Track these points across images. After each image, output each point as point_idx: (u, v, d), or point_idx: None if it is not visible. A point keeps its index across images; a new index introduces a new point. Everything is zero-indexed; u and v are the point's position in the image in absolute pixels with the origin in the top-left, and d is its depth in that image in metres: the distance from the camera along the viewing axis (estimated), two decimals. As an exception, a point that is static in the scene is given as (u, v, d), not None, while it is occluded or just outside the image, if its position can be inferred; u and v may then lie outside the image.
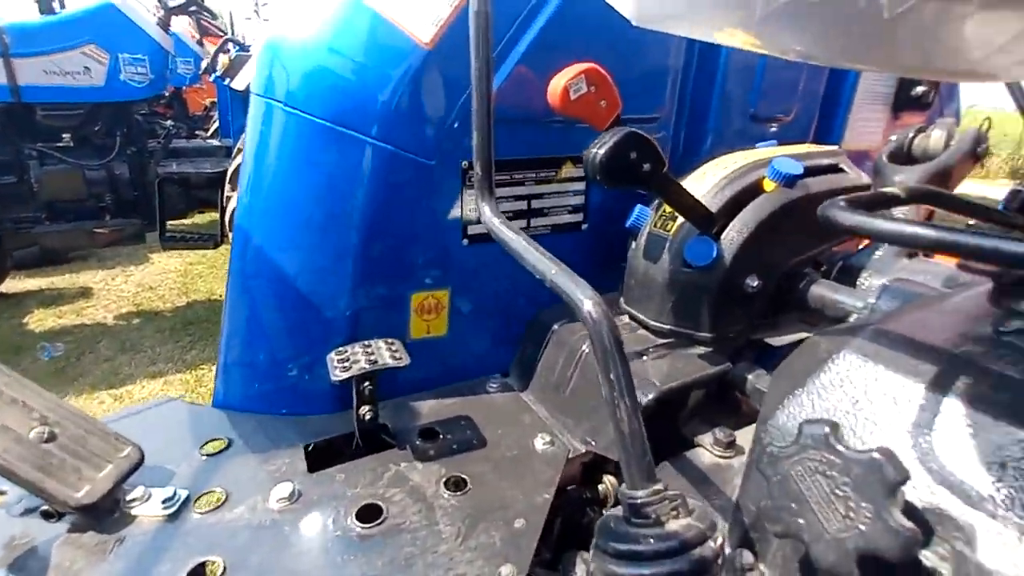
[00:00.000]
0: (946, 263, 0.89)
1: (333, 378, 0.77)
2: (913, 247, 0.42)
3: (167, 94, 5.11)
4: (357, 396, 0.81)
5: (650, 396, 0.82)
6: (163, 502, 0.73)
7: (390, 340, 0.87)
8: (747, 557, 0.60)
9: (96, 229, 3.55)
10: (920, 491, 0.49)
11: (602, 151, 0.72)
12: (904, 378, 0.54)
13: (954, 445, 0.49)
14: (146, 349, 3.28)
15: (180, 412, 0.97)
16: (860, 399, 0.56)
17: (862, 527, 0.46)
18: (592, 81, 0.81)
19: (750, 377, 0.88)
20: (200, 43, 5.78)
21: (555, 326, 1.03)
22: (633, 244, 1.01)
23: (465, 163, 0.92)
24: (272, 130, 0.88)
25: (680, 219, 0.92)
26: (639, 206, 0.99)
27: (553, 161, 1.02)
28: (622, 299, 1.05)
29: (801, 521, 0.51)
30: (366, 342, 0.85)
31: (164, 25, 3.59)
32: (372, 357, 0.80)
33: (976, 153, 1.08)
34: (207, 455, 0.85)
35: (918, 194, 0.54)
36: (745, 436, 0.85)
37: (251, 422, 0.94)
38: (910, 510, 0.48)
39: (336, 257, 0.91)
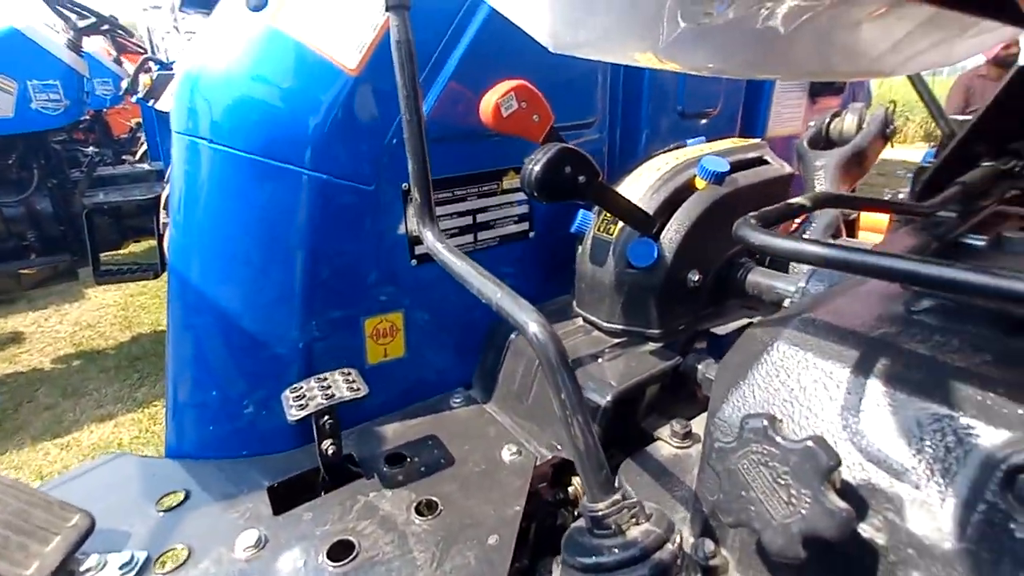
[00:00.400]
0: (867, 241, 0.96)
1: (289, 418, 0.75)
2: (810, 263, 0.46)
3: (86, 118, 4.81)
4: (318, 431, 0.80)
5: (608, 398, 0.85)
6: (121, 568, 0.70)
7: (346, 370, 0.86)
8: (708, 546, 0.64)
9: (22, 270, 3.32)
10: (854, 470, 0.53)
11: (537, 168, 0.74)
12: (831, 364, 0.58)
13: (879, 424, 0.53)
14: (91, 392, 3.10)
15: (130, 467, 0.93)
16: (795, 388, 0.59)
17: (803, 511, 0.49)
18: (522, 97, 0.82)
19: (700, 367, 0.92)
20: (118, 61, 5.45)
21: (512, 335, 1.04)
22: (580, 249, 1.03)
23: (405, 185, 0.92)
24: (199, 168, 0.84)
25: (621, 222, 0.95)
26: (582, 211, 1.02)
27: (494, 174, 1.03)
28: (574, 302, 1.08)
29: (751, 510, 0.54)
30: (321, 375, 0.84)
31: (75, 47, 3.37)
32: (329, 391, 0.79)
33: (885, 134, 1.16)
34: (164, 510, 0.82)
35: (822, 200, 0.58)
36: (701, 424, 0.89)
37: (209, 469, 0.91)
38: (846, 489, 0.53)
39: (281, 292, 0.89)
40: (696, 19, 0.48)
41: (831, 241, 0.47)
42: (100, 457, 0.95)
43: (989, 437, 0.46)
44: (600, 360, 0.94)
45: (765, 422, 0.53)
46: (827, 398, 0.57)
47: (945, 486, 0.47)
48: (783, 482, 0.51)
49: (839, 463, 0.49)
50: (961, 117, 1.06)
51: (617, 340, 0.99)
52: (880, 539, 0.50)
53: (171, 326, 0.95)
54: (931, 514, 0.48)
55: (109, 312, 4.17)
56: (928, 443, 0.50)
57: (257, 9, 0.81)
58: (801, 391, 0.59)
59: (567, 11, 0.51)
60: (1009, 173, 0.77)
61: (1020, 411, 0.47)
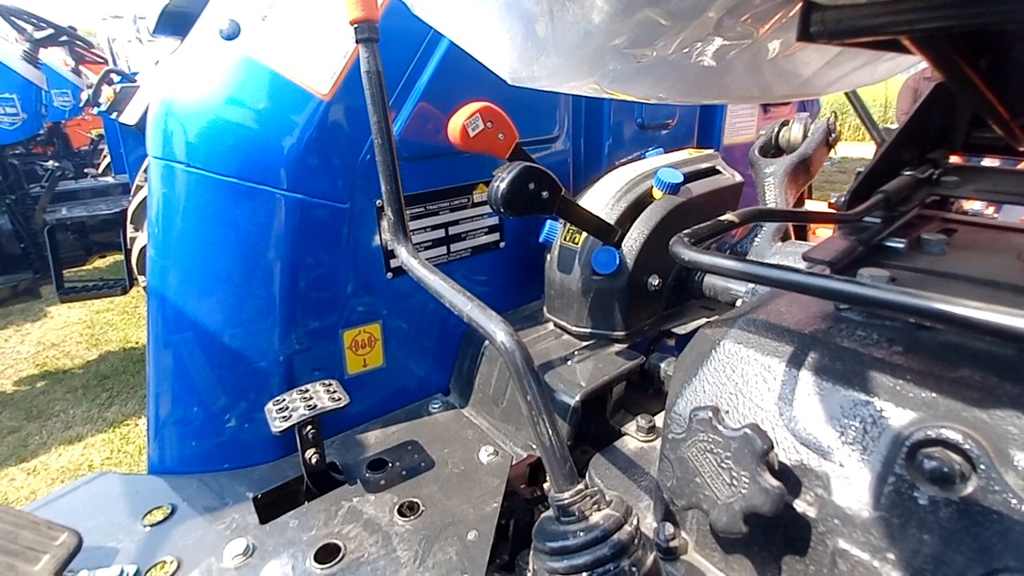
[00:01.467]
0: (809, 244, 1.04)
1: (273, 429, 0.79)
2: (736, 278, 0.52)
3: (44, 131, 4.67)
4: (301, 441, 0.84)
5: (577, 398, 0.91)
6: (111, 582, 0.73)
7: (327, 381, 0.90)
8: (668, 529, 0.70)
9: (-21, 291, 3.21)
10: (789, 452, 0.60)
11: (502, 186, 0.79)
12: (770, 359, 0.65)
13: (810, 410, 0.60)
14: (57, 413, 3.02)
15: (114, 486, 0.94)
16: (739, 381, 0.66)
17: (743, 491, 0.56)
18: (487, 118, 0.87)
19: (663, 366, 0.99)
20: (77, 72, 5.31)
21: (486, 341, 1.09)
22: (548, 257, 1.09)
23: (379, 202, 0.96)
24: (176, 191, 0.87)
25: (585, 231, 1.01)
26: (548, 221, 1.08)
27: (465, 188, 1.08)
28: (545, 308, 1.14)
29: (700, 494, 0.60)
30: (303, 387, 0.87)
31: (32, 59, 3.29)
32: (311, 402, 0.83)
33: (828, 142, 1.25)
34: (151, 525, 0.84)
35: (750, 216, 0.64)
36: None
37: (193, 483, 0.93)
38: (783, 469, 0.59)
39: (261, 308, 0.92)
40: (635, 59, 0.54)
41: (746, 259, 0.54)
42: (84, 476, 0.97)
43: (898, 418, 0.53)
44: (570, 362, 1.00)
45: (710, 413, 0.59)
46: (766, 389, 0.64)
47: (863, 462, 0.54)
48: (726, 466, 0.57)
49: (772, 447, 0.56)
50: (894, 127, 1.15)
51: (585, 343, 1.05)
52: (812, 512, 0.57)
53: (151, 345, 0.97)
54: (852, 487, 0.55)
55: (75, 330, 4.06)
56: (850, 425, 0.57)
57: (230, 38, 0.84)
58: (744, 384, 0.65)
59: (521, 50, 0.56)
60: (928, 180, 0.86)
61: (923, 394, 0.54)
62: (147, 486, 0.94)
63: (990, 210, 1.70)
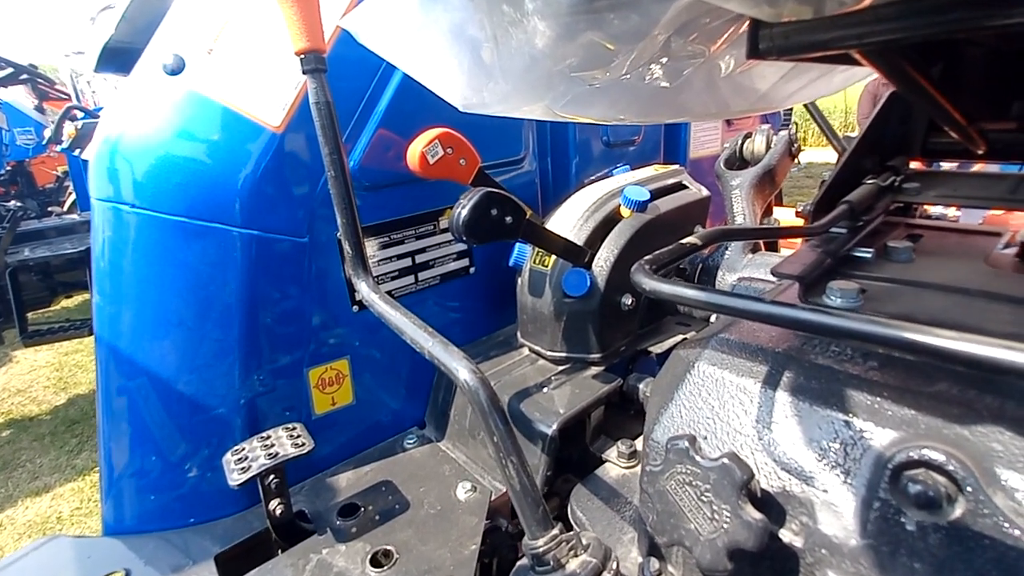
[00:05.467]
0: (780, 255, 1.03)
1: (231, 482, 0.74)
2: (699, 308, 0.51)
3: (7, 170, 4.55)
4: (264, 492, 0.79)
5: (554, 427, 0.88)
6: (55, 664, 0.66)
7: (291, 425, 0.85)
8: (654, 564, 0.66)
9: (-63, 338, 3.07)
10: (771, 478, 0.57)
11: (463, 212, 0.77)
12: (745, 380, 0.63)
13: (789, 433, 0.58)
14: (23, 463, 2.88)
15: (65, 550, 0.88)
16: (715, 405, 0.64)
17: (725, 526, 0.53)
18: (447, 144, 0.85)
19: (641, 387, 0.96)
20: (40, 109, 5.21)
21: (460, 371, 1.06)
22: (519, 281, 1.06)
23: (339, 235, 0.93)
24: (123, 235, 0.83)
25: (555, 253, 0.99)
26: (518, 245, 1.05)
27: (430, 215, 1.05)
28: (519, 333, 1.11)
29: (682, 529, 0.57)
30: (264, 434, 0.82)
31: (-11, 100, 3.21)
32: (272, 450, 0.78)
33: (791, 152, 1.26)
34: (103, 594, 0.78)
35: (711, 238, 0.63)
36: (646, 442, 0.93)
37: (152, 543, 0.87)
38: (765, 497, 0.57)
39: (218, 350, 0.87)
40: (586, 82, 0.52)
41: (709, 288, 0.52)
42: (32, 542, 0.90)
43: (878, 438, 0.51)
44: (546, 389, 0.97)
45: (686, 443, 0.56)
46: (743, 412, 0.61)
47: (847, 487, 0.52)
48: (706, 499, 0.55)
49: (752, 476, 0.53)
50: (854, 134, 1.16)
51: (561, 367, 1.02)
52: (798, 542, 0.54)
53: (102, 394, 0.91)
54: (837, 515, 0.52)
55: (42, 374, 3.91)
56: (830, 448, 0.54)
57: (175, 73, 0.81)
58: (721, 408, 0.63)
59: (469, 76, 0.54)
60: (890, 188, 0.86)
61: (902, 411, 0.52)
62: (101, 549, 0.88)
63: (951, 211, 1.73)
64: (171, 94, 0.83)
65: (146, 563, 0.83)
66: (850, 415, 0.54)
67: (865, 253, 0.76)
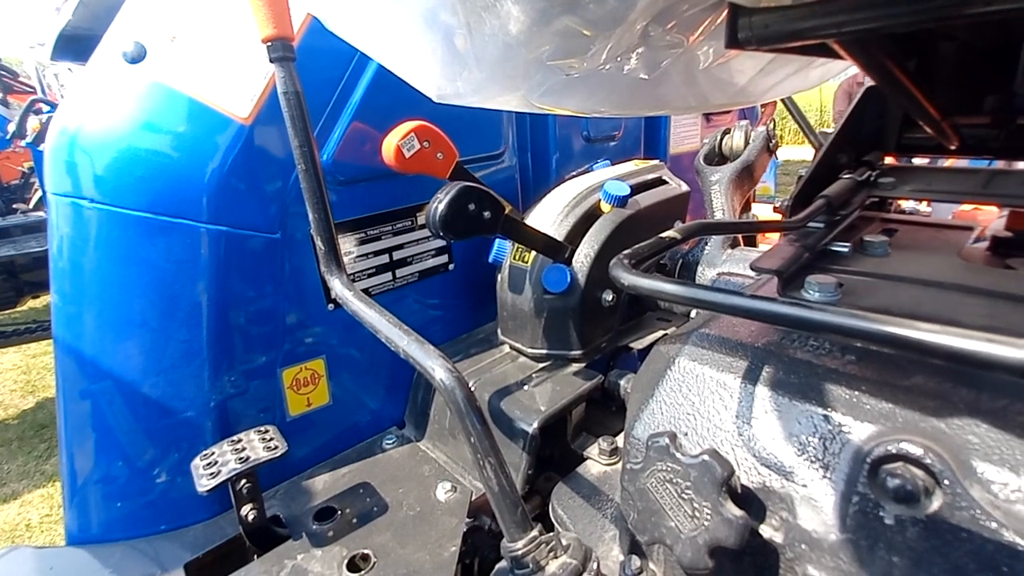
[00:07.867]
0: (759, 249, 1.04)
1: (200, 488, 0.71)
2: (678, 303, 0.50)
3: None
4: (235, 497, 0.76)
5: (535, 424, 0.86)
6: None
7: (264, 428, 0.82)
8: (635, 562, 0.66)
9: None
10: (751, 474, 0.57)
11: (440, 207, 0.75)
12: (725, 376, 0.62)
13: (768, 429, 0.57)
14: (-11, 470, 2.78)
15: (27, 562, 0.84)
16: (696, 401, 0.63)
17: (706, 523, 0.52)
18: (423, 137, 0.83)
19: (622, 383, 0.96)
20: (4, 103, 5.01)
21: (440, 369, 1.04)
22: (499, 278, 1.05)
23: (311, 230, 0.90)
24: (82, 232, 0.79)
25: (535, 249, 0.97)
26: (498, 241, 1.04)
27: (407, 211, 1.03)
28: (499, 330, 1.09)
29: (663, 527, 0.57)
30: (235, 437, 0.80)
31: (-51, 92, 3.07)
32: (243, 454, 0.75)
33: (769, 148, 1.26)
34: (65, 607, 0.74)
35: (691, 232, 0.62)
36: (627, 438, 0.93)
37: (118, 552, 0.84)
38: (746, 493, 0.56)
39: (185, 353, 0.84)
40: (563, 71, 0.51)
41: (688, 283, 0.52)
42: (-11, 553, 0.86)
43: (856, 432, 0.51)
44: (527, 386, 0.96)
45: (667, 440, 0.56)
46: (723, 408, 0.61)
47: (826, 482, 0.52)
48: (687, 496, 0.54)
49: (732, 472, 0.52)
50: (830, 130, 1.17)
51: (542, 364, 1.01)
52: (778, 538, 0.54)
53: (62, 398, 0.87)
54: (817, 510, 0.52)
55: (8, 377, 3.77)
56: (809, 443, 0.54)
57: (135, 61, 0.78)
58: (702, 404, 0.62)
59: (443, 65, 0.52)
60: (866, 183, 0.87)
61: (880, 405, 0.52)
62: (65, 560, 0.84)
63: (923, 205, 1.77)
64: (132, 83, 0.79)
65: (113, 572, 0.80)
66: (829, 409, 0.54)
67: (842, 247, 0.76)
